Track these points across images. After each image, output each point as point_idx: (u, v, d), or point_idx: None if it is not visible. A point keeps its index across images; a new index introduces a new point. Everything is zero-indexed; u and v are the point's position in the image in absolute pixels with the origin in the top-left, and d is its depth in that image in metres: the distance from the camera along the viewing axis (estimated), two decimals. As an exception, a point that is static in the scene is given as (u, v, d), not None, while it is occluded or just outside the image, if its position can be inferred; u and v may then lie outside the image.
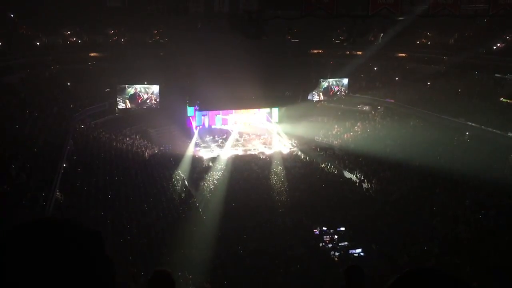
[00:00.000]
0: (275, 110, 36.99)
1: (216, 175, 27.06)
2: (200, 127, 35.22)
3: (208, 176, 27.11)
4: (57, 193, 18.23)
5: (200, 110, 34.62)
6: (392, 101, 36.44)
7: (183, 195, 23.46)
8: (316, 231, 19.70)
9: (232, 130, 35.18)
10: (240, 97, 32.67)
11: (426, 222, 20.06)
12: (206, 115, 35.77)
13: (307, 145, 33.50)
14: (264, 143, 34.68)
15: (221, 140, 34.05)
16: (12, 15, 33.90)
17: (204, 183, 25.90)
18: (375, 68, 41.62)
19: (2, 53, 30.22)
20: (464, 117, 30.17)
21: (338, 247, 18.50)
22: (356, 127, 34.88)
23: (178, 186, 24.60)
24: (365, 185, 25.97)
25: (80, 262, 0.99)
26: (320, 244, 18.80)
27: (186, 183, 25.63)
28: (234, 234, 19.04)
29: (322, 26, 33.88)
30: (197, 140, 33.89)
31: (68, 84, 33.97)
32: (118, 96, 33.23)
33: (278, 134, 35.50)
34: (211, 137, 34.75)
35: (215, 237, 18.77)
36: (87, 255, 1.02)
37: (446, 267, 15.93)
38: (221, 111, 35.78)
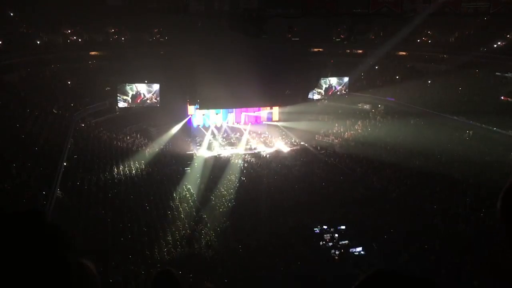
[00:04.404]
0: (276, 109, 36.98)
1: (216, 173, 27.07)
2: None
3: (208, 174, 27.14)
4: (58, 192, 18.24)
5: (200, 108, 34.58)
6: (393, 99, 36.39)
7: (184, 193, 23.47)
8: (316, 230, 19.70)
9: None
10: (240, 96, 32.62)
11: (426, 220, 20.05)
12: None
13: (308, 144, 33.52)
14: (265, 142, 34.72)
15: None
16: (12, 14, 33.85)
17: (204, 182, 25.93)
18: (376, 67, 41.55)
19: (3, 52, 30.18)
20: (464, 116, 30.14)
21: (339, 245, 18.49)
22: (356, 126, 34.85)
23: (179, 185, 24.61)
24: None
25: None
26: (321, 243, 18.80)
27: (186, 182, 25.64)
28: (235, 233, 19.05)
29: (322, 24, 33.84)
30: (199, 138, 34.03)
31: (69, 83, 33.96)
32: (118, 94, 33.20)
33: (280, 132, 35.57)
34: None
35: (215, 235, 18.81)
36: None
37: (447, 266, 15.94)
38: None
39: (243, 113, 36.12)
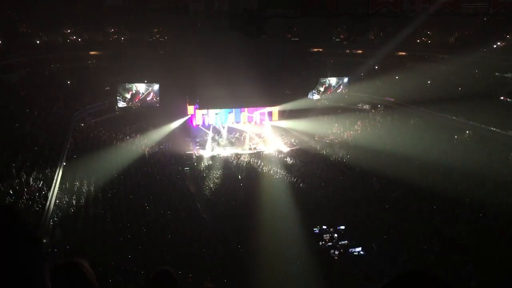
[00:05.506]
0: (276, 109, 36.97)
1: (216, 173, 27.10)
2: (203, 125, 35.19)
3: (208, 174, 27.17)
4: (57, 191, 18.25)
5: (200, 108, 34.57)
6: (392, 99, 36.41)
7: (183, 193, 23.48)
8: (316, 230, 19.70)
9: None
10: (240, 96, 32.64)
11: (426, 220, 20.06)
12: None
13: (307, 144, 33.52)
14: (265, 142, 34.72)
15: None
16: (12, 14, 33.88)
17: (204, 182, 25.96)
18: (376, 67, 41.57)
19: (2, 52, 30.20)
20: (464, 116, 30.14)
21: (338, 245, 18.50)
22: (356, 126, 34.86)
23: (178, 185, 24.63)
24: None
25: None
26: (320, 243, 18.81)
27: (187, 181, 25.67)
28: (234, 233, 19.05)
29: (322, 24, 33.86)
30: (198, 138, 34.03)
31: (68, 82, 33.99)
32: (118, 94, 33.22)
33: (280, 132, 35.57)
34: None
35: (215, 235, 18.81)
36: None
37: (446, 266, 15.95)
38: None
39: (243, 113, 36.14)
